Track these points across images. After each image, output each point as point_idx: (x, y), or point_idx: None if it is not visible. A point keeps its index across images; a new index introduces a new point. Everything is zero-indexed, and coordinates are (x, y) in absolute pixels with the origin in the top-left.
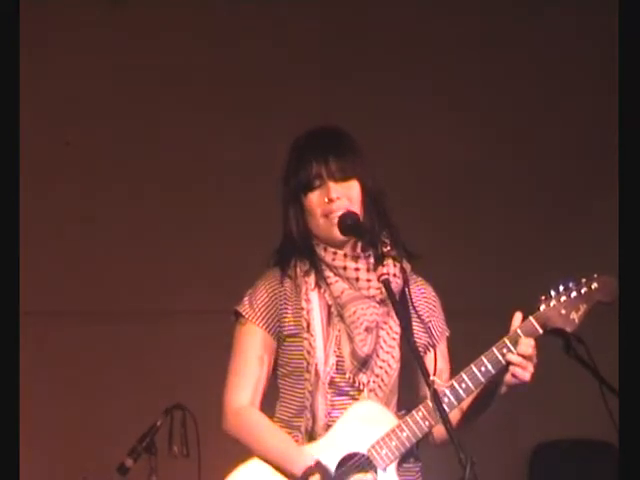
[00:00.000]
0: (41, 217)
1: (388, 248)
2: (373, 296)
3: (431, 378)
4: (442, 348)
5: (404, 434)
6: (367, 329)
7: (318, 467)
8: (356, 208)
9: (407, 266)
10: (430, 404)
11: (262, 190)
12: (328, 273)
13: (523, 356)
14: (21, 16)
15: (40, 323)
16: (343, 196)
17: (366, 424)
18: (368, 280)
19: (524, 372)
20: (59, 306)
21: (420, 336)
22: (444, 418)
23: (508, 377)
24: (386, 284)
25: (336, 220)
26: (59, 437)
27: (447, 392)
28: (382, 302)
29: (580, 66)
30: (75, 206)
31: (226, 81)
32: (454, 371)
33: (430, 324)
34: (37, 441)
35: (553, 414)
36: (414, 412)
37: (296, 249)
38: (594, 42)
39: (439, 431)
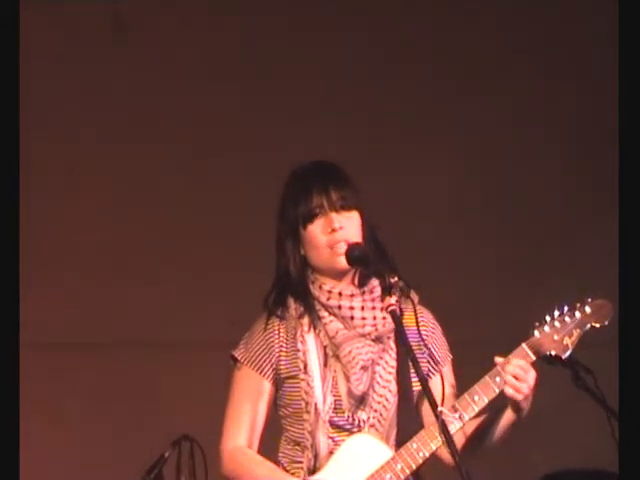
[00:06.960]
0: (42, 248)
1: (395, 279)
2: (368, 333)
3: (439, 409)
4: (446, 374)
5: (398, 466)
6: (363, 368)
7: None
8: (357, 239)
9: (415, 297)
10: (424, 435)
11: (273, 220)
12: (323, 313)
13: (513, 376)
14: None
15: (42, 355)
16: (345, 226)
17: (361, 458)
18: (363, 318)
19: (515, 392)
20: (61, 338)
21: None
22: (452, 448)
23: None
24: (394, 314)
25: (341, 250)
26: (64, 470)
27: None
28: (377, 339)
29: (580, 80)
30: (77, 237)
31: (228, 108)
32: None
33: (431, 350)
34: (39, 474)
35: (560, 445)
36: (408, 444)
37: (291, 289)
38: (594, 53)
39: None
